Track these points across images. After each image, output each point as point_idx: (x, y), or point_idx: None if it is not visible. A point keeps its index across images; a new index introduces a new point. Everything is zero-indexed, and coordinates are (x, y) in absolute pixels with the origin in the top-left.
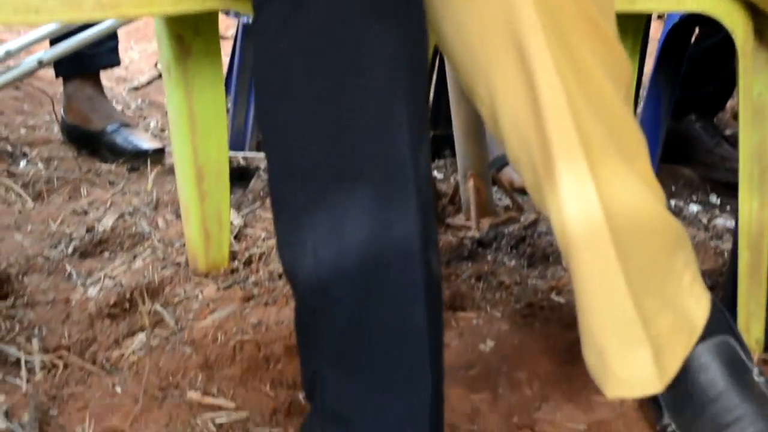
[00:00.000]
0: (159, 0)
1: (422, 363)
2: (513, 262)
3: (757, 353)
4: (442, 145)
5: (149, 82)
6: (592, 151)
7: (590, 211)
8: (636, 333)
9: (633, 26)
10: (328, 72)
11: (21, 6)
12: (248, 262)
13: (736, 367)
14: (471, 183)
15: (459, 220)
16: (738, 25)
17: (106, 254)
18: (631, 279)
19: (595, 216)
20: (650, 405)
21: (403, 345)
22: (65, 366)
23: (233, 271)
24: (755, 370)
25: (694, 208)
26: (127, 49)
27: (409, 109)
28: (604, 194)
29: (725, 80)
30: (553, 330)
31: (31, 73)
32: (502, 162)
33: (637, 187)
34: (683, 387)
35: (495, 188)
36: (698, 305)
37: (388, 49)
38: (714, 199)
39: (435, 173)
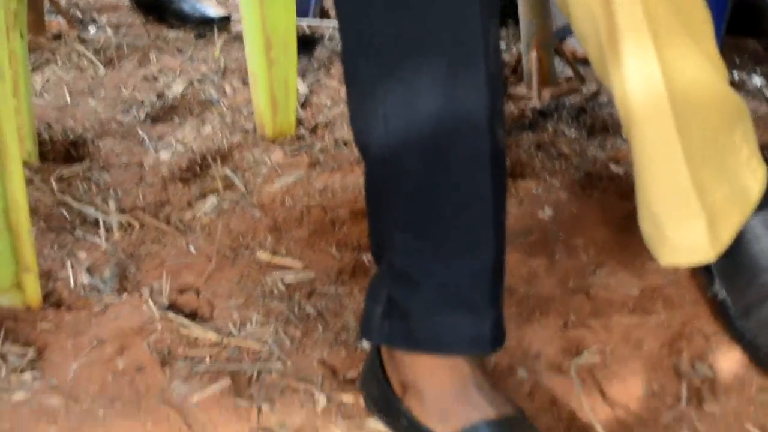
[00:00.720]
0: None
1: (487, 228)
2: (573, 133)
3: None
4: (506, 13)
5: None
6: (658, 27)
7: (653, 85)
8: (691, 203)
9: None
10: None
11: None
12: (314, 130)
13: None
14: (534, 53)
15: (521, 90)
16: None
17: (177, 120)
18: (690, 151)
19: (657, 90)
20: (702, 273)
21: (469, 211)
22: (141, 226)
23: (299, 137)
24: None
25: (757, 80)
26: None
27: None
28: (667, 70)
29: None
30: (610, 199)
31: None
32: (566, 32)
33: (700, 63)
34: (735, 256)
35: (557, 58)
36: (754, 178)
37: None
38: None
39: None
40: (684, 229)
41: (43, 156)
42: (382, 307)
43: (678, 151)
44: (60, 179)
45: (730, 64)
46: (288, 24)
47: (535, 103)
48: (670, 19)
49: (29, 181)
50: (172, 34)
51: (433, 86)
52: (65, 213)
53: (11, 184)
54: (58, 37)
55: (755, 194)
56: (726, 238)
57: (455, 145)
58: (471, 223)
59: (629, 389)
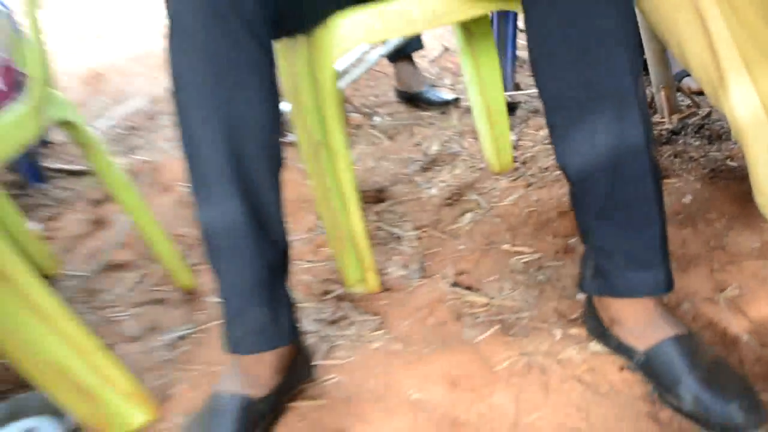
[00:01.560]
0: (458, 12)
1: (654, 213)
2: (697, 142)
3: None
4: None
5: (439, 55)
6: (752, 67)
7: (752, 105)
8: None
9: None
10: (577, 44)
11: (379, 30)
12: (524, 163)
13: None
14: (662, 93)
15: (656, 118)
16: None
17: (437, 167)
18: None
19: (756, 109)
20: None
21: (640, 203)
22: (428, 236)
23: (516, 169)
24: None
25: None
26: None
27: (631, 59)
28: (762, 97)
29: None
30: (730, 184)
31: (375, 63)
32: (682, 75)
33: None
34: None
35: (678, 94)
36: None
37: (616, 20)
38: None
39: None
40: None
41: (362, 200)
42: (590, 271)
43: None
44: (376, 213)
45: None
46: (499, 97)
47: (668, 125)
48: (759, 58)
49: None
50: (425, 114)
51: (606, 127)
52: (382, 233)
53: (354, 220)
54: (357, 126)
55: None
56: None
57: (626, 163)
58: (642, 211)
59: (763, 309)
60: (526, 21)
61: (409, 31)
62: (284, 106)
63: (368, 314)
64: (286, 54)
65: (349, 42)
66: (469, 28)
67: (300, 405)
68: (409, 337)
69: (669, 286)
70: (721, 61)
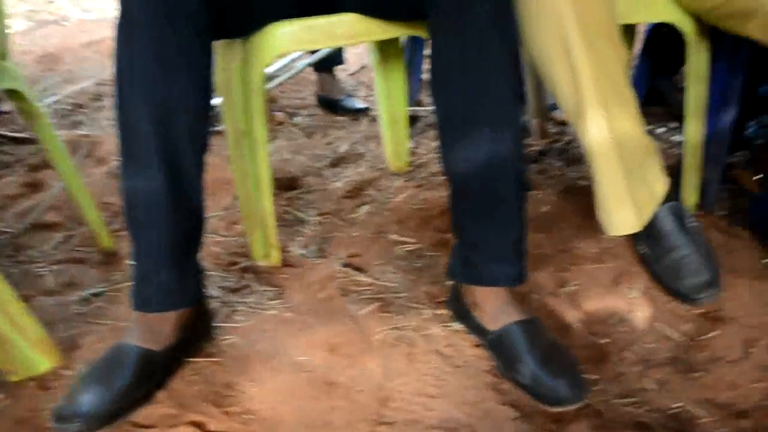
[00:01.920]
0: (375, 32)
1: (514, 216)
2: (559, 163)
3: (691, 211)
4: (521, 98)
5: (357, 71)
6: (606, 104)
7: (604, 136)
8: (626, 200)
9: (630, 28)
10: (469, 68)
11: (307, 40)
12: (418, 167)
13: (680, 217)
14: (536, 120)
15: (530, 141)
16: (687, 27)
17: (344, 165)
18: (625, 171)
19: (607, 138)
20: (632, 239)
21: (505, 207)
22: (329, 222)
23: (410, 172)
24: (690, 219)
25: (661, 130)
26: (345, 52)
27: (511, 86)
28: (612, 126)
29: (681, 53)
30: (580, 200)
31: (301, 70)
32: (554, 107)
33: (630, 122)
34: (651, 229)
35: (549, 122)
36: (660, 185)
37: (503, 53)
38: (673, 124)
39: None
40: (623, 214)
41: (276, 187)
42: (459, 261)
43: (618, 172)
44: (286, 199)
45: (647, 121)
46: (402, 109)
47: (537, 147)
48: (613, 98)
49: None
50: (340, 118)
51: (485, 142)
52: (289, 216)
53: (265, 202)
54: (280, 123)
55: (661, 194)
56: (646, 218)
57: (497, 173)
58: (507, 214)
59: (593, 304)
60: (432, 47)
61: (331, 44)
62: (216, 100)
63: (268, 286)
64: (224, 53)
65: (280, 48)
66: (383, 49)
67: (197, 361)
68: (301, 308)
69: (522, 279)
70: (583, 99)
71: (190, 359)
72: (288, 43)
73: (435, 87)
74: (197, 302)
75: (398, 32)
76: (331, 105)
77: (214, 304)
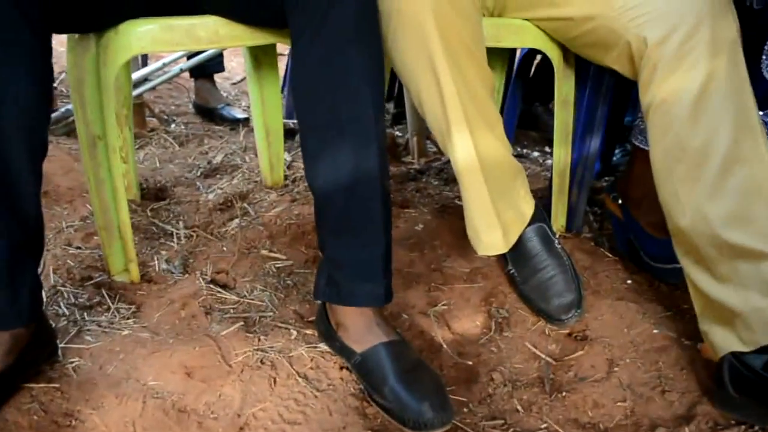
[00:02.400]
0: (240, 38)
1: (379, 233)
2: (436, 182)
3: (559, 233)
4: (402, 117)
5: (241, 80)
6: (471, 125)
7: (470, 156)
8: (493, 220)
9: (501, 52)
10: (330, 79)
11: (165, 41)
12: (293, 181)
13: (546, 239)
14: (415, 138)
15: (408, 158)
16: (554, 54)
17: (218, 176)
18: (491, 192)
19: (472, 158)
20: (502, 259)
21: (369, 224)
22: (197, 236)
23: (285, 186)
24: (556, 241)
25: (536, 153)
26: (229, 61)
27: (374, 99)
28: (477, 146)
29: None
30: (455, 219)
31: (176, 75)
32: None
33: (495, 143)
34: (518, 249)
35: (428, 141)
36: (527, 206)
37: (365, 63)
38: (547, 149)
39: (398, 133)
40: (490, 234)
41: (143, 197)
42: (324, 280)
43: (485, 192)
44: (152, 210)
45: (521, 145)
46: (278, 121)
47: (416, 165)
48: (478, 119)
49: (134, 211)
50: (217, 127)
51: (348, 155)
52: (155, 229)
53: (121, 213)
54: (152, 130)
55: (528, 215)
56: (513, 239)
57: (361, 188)
58: (370, 231)
59: (463, 324)
60: (293, 55)
61: (194, 47)
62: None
63: (124, 303)
64: (75, 47)
65: (137, 48)
66: (258, 58)
67: (34, 387)
68: (159, 328)
69: (388, 298)
70: (449, 117)
71: (27, 385)
72: (145, 43)
73: (297, 94)
74: (34, 321)
75: (264, 39)
76: (208, 113)
77: (61, 323)
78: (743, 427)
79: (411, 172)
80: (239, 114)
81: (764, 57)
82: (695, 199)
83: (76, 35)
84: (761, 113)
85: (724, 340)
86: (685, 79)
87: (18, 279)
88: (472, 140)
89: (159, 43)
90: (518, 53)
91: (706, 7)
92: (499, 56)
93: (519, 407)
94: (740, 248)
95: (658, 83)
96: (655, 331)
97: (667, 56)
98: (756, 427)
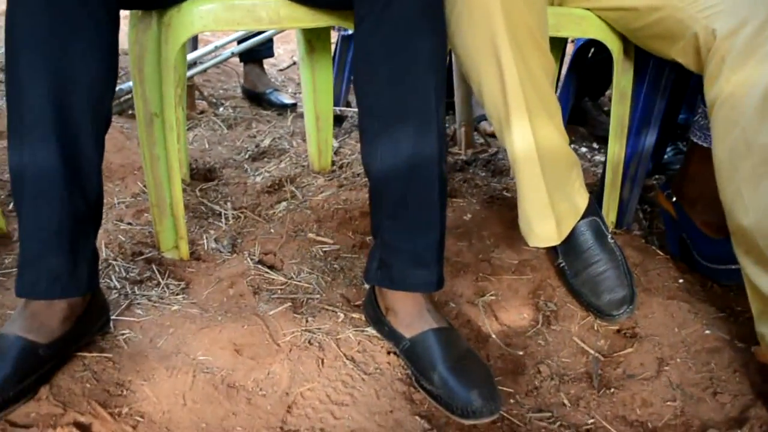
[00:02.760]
0: (301, 19)
1: (435, 219)
2: (483, 173)
3: (611, 228)
4: (450, 108)
5: (288, 67)
6: (531, 113)
7: (528, 144)
8: (547, 211)
9: (558, 43)
10: (396, 63)
11: (228, 20)
12: (341, 167)
13: (600, 233)
14: (462, 129)
15: (456, 149)
16: (615, 46)
17: (266, 159)
18: (547, 182)
19: (531, 147)
20: (552, 252)
21: (426, 209)
22: (245, 217)
23: (333, 171)
24: (609, 236)
25: (584, 149)
26: (276, 47)
27: (437, 84)
28: (536, 135)
29: (606, 79)
30: (503, 210)
31: (227, 59)
32: (481, 118)
33: (554, 133)
34: (570, 242)
35: (475, 133)
36: (582, 199)
37: (430, 49)
38: (595, 145)
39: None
40: (542, 226)
41: (192, 177)
42: (376, 264)
43: (541, 182)
44: (201, 190)
45: (570, 140)
46: (328, 107)
47: (463, 156)
48: (538, 108)
49: (183, 191)
50: (265, 112)
51: (408, 140)
52: (203, 208)
53: (174, 190)
54: (202, 112)
55: (581, 208)
56: (566, 231)
57: (419, 172)
58: (427, 216)
59: (511, 316)
60: (356, 37)
61: (254, 27)
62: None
63: (173, 279)
64: (137, 24)
65: (198, 26)
66: (311, 42)
67: (86, 356)
68: (207, 305)
69: (440, 285)
70: (509, 103)
71: (80, 354)
72: (207, 21)
73: (358, 78)
74: (90, 291)
75: (325, 21)
76: (257, 98)
77: (112, 296)
78: None
79: (458, 162)
80: (287, 99)
81: None
82: (760, 197)
83: (139, 12)
84: None
85: None
86: (755, 73)
87: (78, 249)
88: (531, 128)
89: (221, 22)
90: (573, 46)
91: None
92: (554, 47)
93: (566, 401)
94: None
95: (726, 77)
96: (707, 331)
97: (736, 49)
98: None
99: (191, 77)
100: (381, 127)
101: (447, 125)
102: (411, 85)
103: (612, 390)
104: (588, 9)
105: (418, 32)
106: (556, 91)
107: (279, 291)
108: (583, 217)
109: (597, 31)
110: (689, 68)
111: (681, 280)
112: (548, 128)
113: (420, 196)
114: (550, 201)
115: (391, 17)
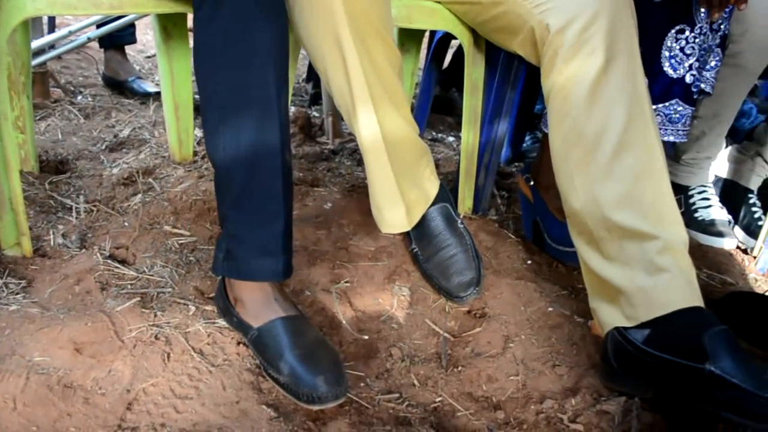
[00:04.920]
0: (143, 4)
1: (280, 209)
2: (349, 162)
3: (466, 214)
4: (319, 98)
5: (155, 54)
6: (377, 104)
7: (374, 133)
8: (396, 198)
9: (417, 35)
10: (234, 52)
11: (63, 4)
12: (203, 157)
13: (450, 219)
14: (330, 119)
15: (323, 139)
16: (465, 38)
17: (125, 150)
18: (395, 170)
19: (377, 136)
20: (406, 237)
21: (270, 199)
22: (97, 210)
23: (194, 162)
24: (459, 221)
25: (451, 138)
26: (144, 33)
27: (277, 74)
28: (382, 124)
29: None
30: (364, 198)
31: (84, 45)
32: None
33: (401, 122)
34: (422, 228)
35: (343, 122)
36: (432, 186)
37: (268, 39)
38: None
39: (316, 114)
40: (393, 212)
41: (42, 170)
42: (222, 254)
43: (389, 170)
44: (51, 183)
45: (437, 129)
46: (188, 95)
47: (330, 146)
48: (383, 98)
49: (31, 184)
50: (126, 101)
51: (250, 128)
52: (52, 203)
53: (12, 183)
54: (56, 101)
55: (432, 195)
56: (416, 218)
57: (262, 162)
58: (270, 206)
59: (366, 301)
60: (193, 26)
61: (93, 11)
62: None
63: (13, 278)
64: None
65: (30, 10)
66: (168, 29)
67: None
68: (50, 303)
69: (286, 274)
70: (354, 94)
71: None
72: (40, 5)
73: (198, 66)
74: None
75: (169, 8)
76: (118, 86)
77: None
78: (623, 398)
79: (325, 152)
80: (150, 87)
81: (664, 50)
82: (588, 182)
83: None
84: (661, 105)
85: (609, 317)
86: (583, 65)
87: None
88: (377, 118)
89: (56, 5)
90: (434, 37)
91: (605, 0)
92: (414, 39)
93: (416, 381)
94: (627, 229)
95: (558, 69)
96: (550, 309)
97: (567, 43)
98: (635, 398)
99: (43, 63)
100: (223, 118)
101: (317, 115)
102: (250, 74)
103: (460, 368)
104: (438, 2)
105: (255, 22)
106: (417, 81)
107: (129, 286)
108: (433, 204)
109: (447, 23)
110: (530, 60)
111: (529, 261)
112: (395, 118)
113: (263, 186)
114: (399, 188)
115: (228, 8)
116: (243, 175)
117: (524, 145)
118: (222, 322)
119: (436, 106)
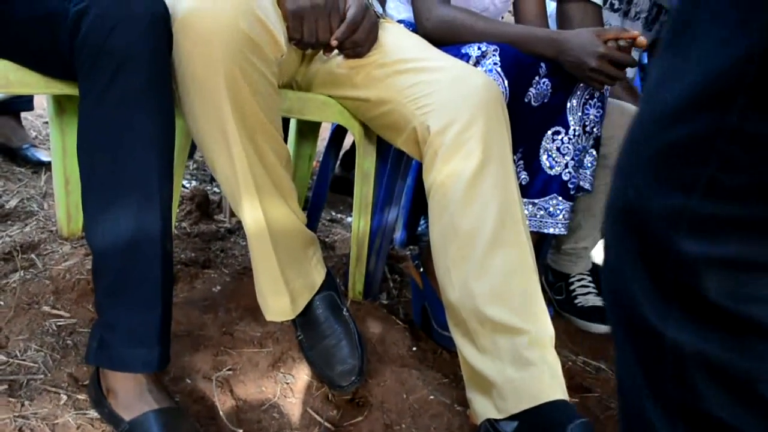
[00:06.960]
0: (32, 85)
1: (157, 297)
2: (244, 243)
3: (356, 299)
4: None
5: None
6: (262, 195)
7: (259, 223)
8: (280, 287)
9: (312, 125)
10: (116, 137)
11: None
12: None
13: (335, 307)
14: (226, 198)
15: (221, 216)
16: (356, 131)
17: (10, 222)
18: (280, 259)
19: (261, 225)
20: (292, 324)
21: (147, 287)
22: None
23: (81, 238)
24: (344, 309)
25: (349, 219)
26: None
27: (160, 162)
28: (267, 216)
29: None
30: (252, 282)
31: None
32: None
33: (287, 213)
34: (307, 316)
35: None
36: (318, 275)
37: (152, 126)
38: None
39: (216, 189)
40: (277, 300)
41: None
42: (95, 343)
43: (273, 259)
44: None
45: (337, 210)
46: (78, 169)
47: (227, 225)
48: (270, 190)
49: None
50: (18, 169)
51: (129, 216)
52: None
53: None
54: None
55: (317, 283)
56: (300, 306)
57: (140, 250)
58: (146, 294)
59: (248, 389)
60: (78, 111)
61: None
62: None
63: None
64: None
65: None
66: (62, 103)
67: None
68: None
69: (162, 365)
70: (240, 186)
71: None
72: None
73: (79, 150)
74: None
75: (59, 90)
76: (10, 153)
77: None
78: None
79: (221, 231)
80: (44, 156)
81: (542, 150)
82: (463, 276)
83: None
84: (541, 199)
85: (483, 408)
86: (461, 165)
87: None
88: (262, 208)
89: None
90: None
91: (480, 105)
92: (311, 125)
93: None
94: (498, 323)
95: (438, 167)
96: (431, 397)
97: (446, 145)
98: None
99: None
100: (102, 204)
101: (217, 191)
102: (131, 161)
103: None
104: (330, 96)
105: (140, 109)
106: (316, 164)
107: None
108: (318, 292)
109: (338, 116)
110: (413, 157)
111: (414, 348)
112: (281, 209)
113: (141, 274)
114: (284, 277)
115: (112, 97)
116: (119, 262)
117: (419, 228)
118: (94, 413)
119: (336, 186)
